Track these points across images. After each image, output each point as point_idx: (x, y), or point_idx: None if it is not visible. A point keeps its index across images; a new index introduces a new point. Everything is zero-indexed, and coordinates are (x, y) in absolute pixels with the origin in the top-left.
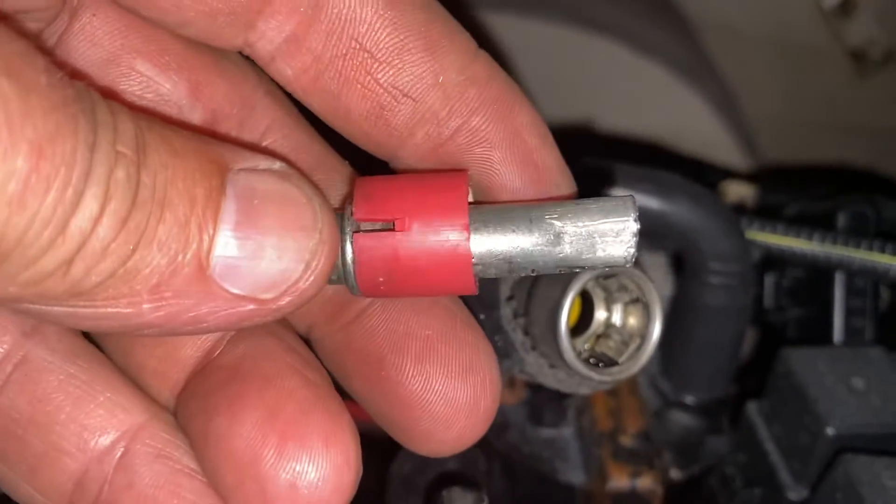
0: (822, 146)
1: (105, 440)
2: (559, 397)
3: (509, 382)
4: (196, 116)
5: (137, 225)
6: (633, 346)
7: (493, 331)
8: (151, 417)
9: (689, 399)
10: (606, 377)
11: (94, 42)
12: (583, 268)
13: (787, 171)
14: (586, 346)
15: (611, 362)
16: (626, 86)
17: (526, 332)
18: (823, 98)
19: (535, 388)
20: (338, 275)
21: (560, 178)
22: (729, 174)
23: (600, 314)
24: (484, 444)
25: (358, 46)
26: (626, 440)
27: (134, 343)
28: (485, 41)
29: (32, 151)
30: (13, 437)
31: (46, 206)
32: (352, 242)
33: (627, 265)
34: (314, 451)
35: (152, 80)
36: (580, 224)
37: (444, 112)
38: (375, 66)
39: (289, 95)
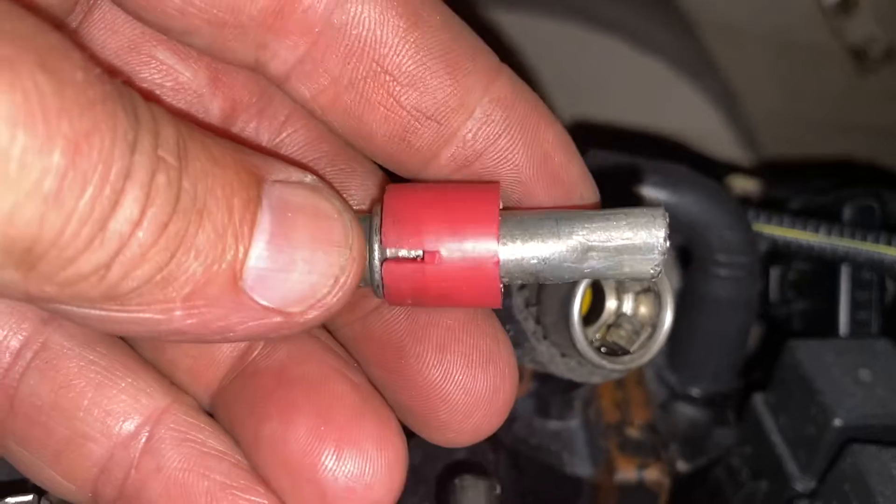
0: (822, 143)
1: (130, 425)
2: (566, 389)
3: None
4: (216, 105)
5: (177, 232)
6: (644, 335)
7: (504, 320)
8: (174, 401)
9: (696, 391)
10: (618, 366)
11: (114, 30)
12: (608, 279)
13: (787, 168)
14: (598, 336)
15: (622, 351)
16: (627, 82)
17: (538, 321)
18: (824, 96)
19: (542, 380)
20: (364, 281)
21: (586, 191)
22: (731, 169)
23: (611, 303)
24: (491, 437)
25: (379, 69)
26: (633, 432)
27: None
28: (488, 38)
29: (69, 147)
30: (36, 423)
31: (84, 203)
32: (381, 265)
33: (653, 280)
34: (369, 454)
35: (172, 69)
36: (608, 240)
37: (469, 135)
38: (398, 89)
39: None
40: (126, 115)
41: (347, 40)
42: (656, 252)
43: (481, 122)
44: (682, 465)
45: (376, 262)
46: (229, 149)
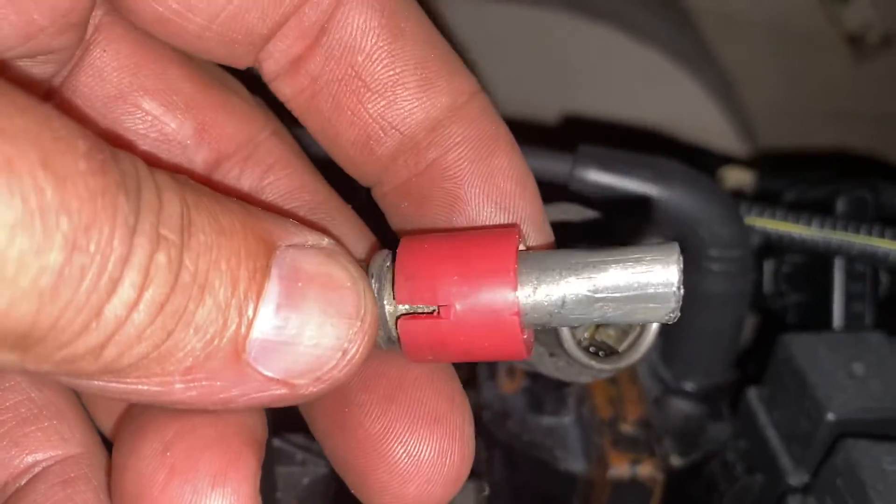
0: (819, 132)
1: (29, 459)
2: (559, 386)
3: (509, 371)
4: (200, 157)
5: (175, 310)
6: (633, 335)
7: None
8: (86, 452)
9: (689, 386)
10: (606, 366)
11: (102, 78)
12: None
13: (785, 157)
14: (586, 335)
15: (611, 351)
16: (623, 72)
17: None
18: (821, 83)
19: (535, 377)
20: (388, 340)
21: (533, 230)
22: (728, 160)
23: None
24: (484, 433)
25: (353, 74)
26: (627, 428)
27: None
28: (482, 28)
29: (66, 244)
30: None
31: (80, 294)
32: (396, 322)
33: (670, 323)
34: (199, 489)
35: (158, 119)
36: (620, 290)
37: (424, 143)
38: (367, 95)
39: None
40: (128, 199)
41: (330, 44)
42: (673, 301)
43: (437, 134)
44: (675, 460)
45: (387, 318)
46: (239, 214)
